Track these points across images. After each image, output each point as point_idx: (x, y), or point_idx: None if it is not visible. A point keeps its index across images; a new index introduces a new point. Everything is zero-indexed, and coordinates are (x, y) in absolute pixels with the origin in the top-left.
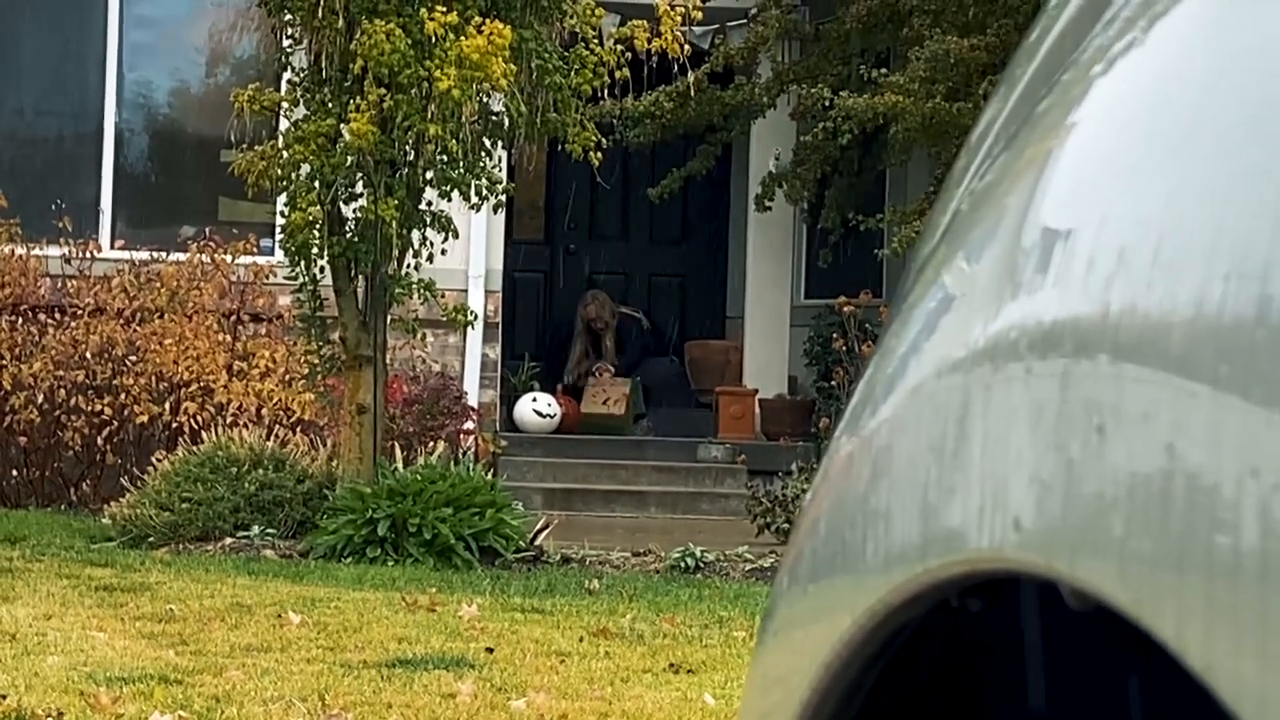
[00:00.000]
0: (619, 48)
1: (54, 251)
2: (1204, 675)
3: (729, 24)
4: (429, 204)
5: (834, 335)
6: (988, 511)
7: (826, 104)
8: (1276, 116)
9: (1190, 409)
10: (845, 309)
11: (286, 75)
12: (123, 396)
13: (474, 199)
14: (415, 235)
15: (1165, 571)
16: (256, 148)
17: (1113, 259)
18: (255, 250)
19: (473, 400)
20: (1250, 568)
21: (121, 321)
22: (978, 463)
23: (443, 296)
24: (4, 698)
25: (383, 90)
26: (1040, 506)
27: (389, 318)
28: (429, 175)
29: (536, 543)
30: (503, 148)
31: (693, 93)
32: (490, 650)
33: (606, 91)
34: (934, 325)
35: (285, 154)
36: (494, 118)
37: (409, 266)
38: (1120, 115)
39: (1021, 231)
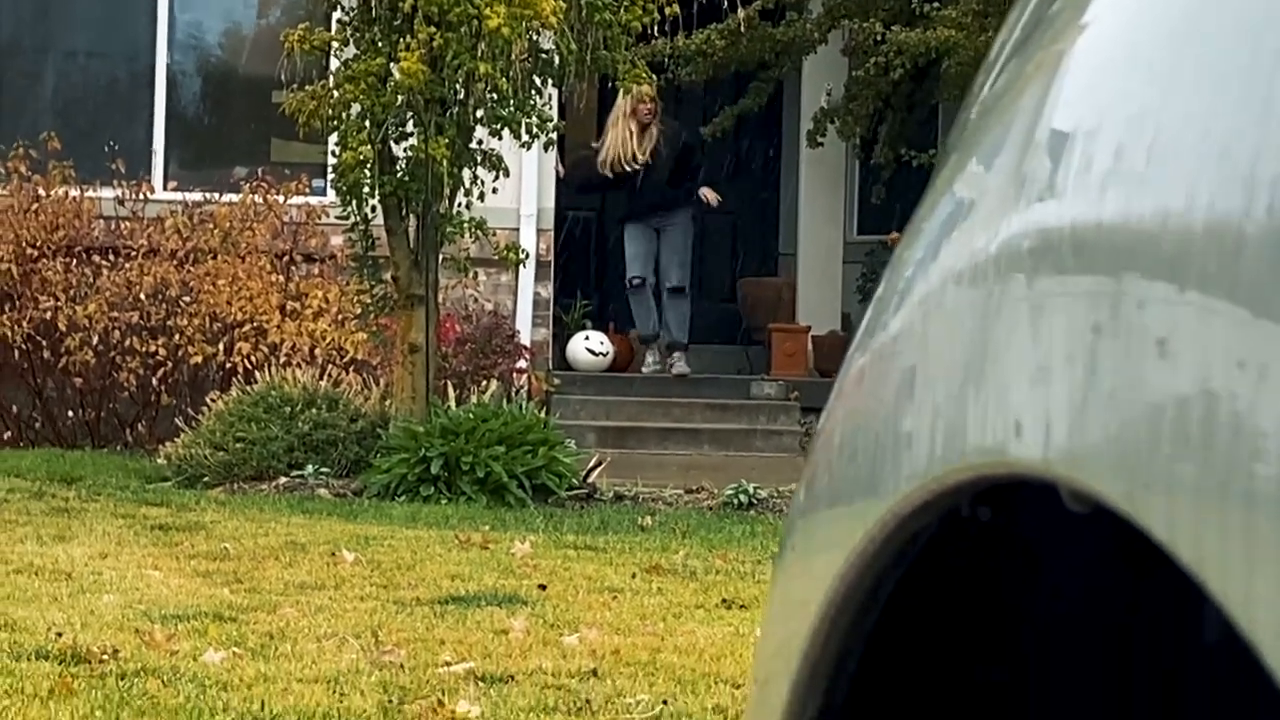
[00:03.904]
0: None
1: (107, 193)
2: (1194, 569)
3: None
4: (479, 142)
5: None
6: (992, 417)
7: (879, 39)
8: None
9: (1184, 311)
10: (897, 244)
11: (336, 14)
12: (177, 337)
13: (524, 137)
14: (466, 174)
15: (1155, 468)
16: (307, 88)
17: (1143, 159)
18: (307, 190)
19: (525, 339)
20: (1236, 459)
21: (175, 263)
22: (984, 371)
23: (494, 235)
24: (60, 635)
25: (432, 29)
26: (1040, 410)
27: (441, 257)
28: (479, 114)
29: (589, 480)
30: (553, 86)
31: (744, 30)
32: (543, 587)
33: (657, 29)
34: (944, 236)
35: (335, 94)
36: (544, 56)
37: (460, 205)
38: (1130, 11)
39: (1033, 135)
